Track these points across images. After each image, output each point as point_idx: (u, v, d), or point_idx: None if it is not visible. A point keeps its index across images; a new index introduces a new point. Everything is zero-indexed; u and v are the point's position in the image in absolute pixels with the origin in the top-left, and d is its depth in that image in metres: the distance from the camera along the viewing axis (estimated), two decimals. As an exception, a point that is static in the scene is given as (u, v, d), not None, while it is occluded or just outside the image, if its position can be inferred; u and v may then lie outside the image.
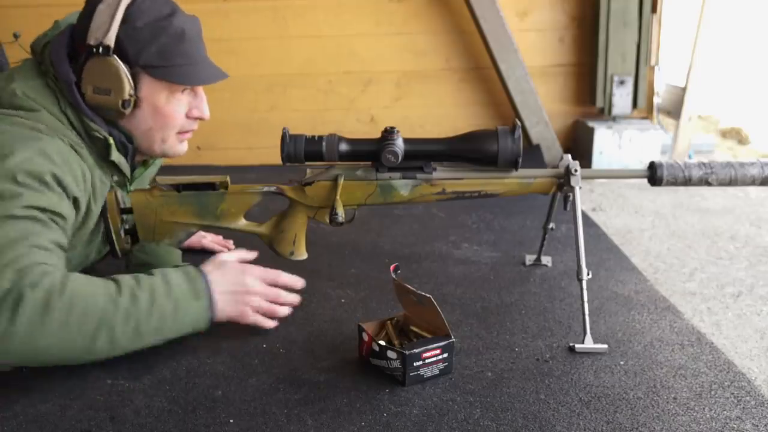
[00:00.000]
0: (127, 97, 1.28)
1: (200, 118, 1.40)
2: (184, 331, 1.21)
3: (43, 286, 1.07)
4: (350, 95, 3.35)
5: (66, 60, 1.28)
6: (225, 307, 1.25)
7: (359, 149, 1.36)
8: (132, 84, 1.28)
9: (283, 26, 3.25)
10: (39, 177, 1.17)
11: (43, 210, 1.17)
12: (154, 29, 1.27)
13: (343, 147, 1.35)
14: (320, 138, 1.34)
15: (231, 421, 1.07)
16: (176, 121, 1.36)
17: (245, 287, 1.28)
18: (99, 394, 1.14)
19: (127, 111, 1.29)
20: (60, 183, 1.21)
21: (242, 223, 1.42)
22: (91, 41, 1.26)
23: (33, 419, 1.08)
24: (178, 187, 1.40)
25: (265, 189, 1.42)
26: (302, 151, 1.34)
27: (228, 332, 1.34)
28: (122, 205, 1.38)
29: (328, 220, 1.37)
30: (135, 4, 1.27)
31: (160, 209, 1.39)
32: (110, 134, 1.33)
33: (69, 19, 1.37)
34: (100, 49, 1.25)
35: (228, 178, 1.41)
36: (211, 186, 1.41)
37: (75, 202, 1.26)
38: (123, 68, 1.27)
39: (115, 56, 1.26)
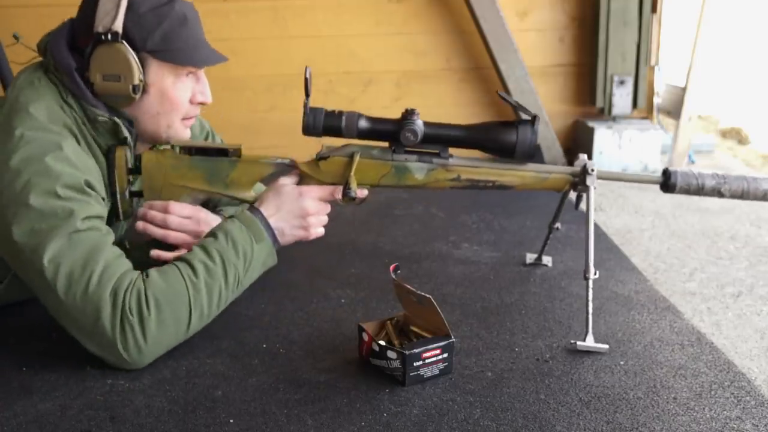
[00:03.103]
0: (137, 81, 1.29)
1: (203, 103, 1.40)
2: (259, 273, 1.33)
3: (133, 295, 1.17)
4: (350, 95, 3.34)
5: (65, 49, 1.30)
6: (288, 233, 1.35)
7: (379, 128, 1.35)
8: (141, 69, 1.29)
9: (282, 26, 3.24)
10: (78, 188, 1.22)
11: (95, 217, 1.22)
12: (158, 14, 1.29)
13: (363, 124, 1.34)
14: (340, 113, 1.33)
15: (231, 421, 1.07)
16: (182, 105, 1.37)
17: (304, 210, 1.35)
18: (99, 394, 1.14)
19: (137, 96, 1.30)
20: (93, 187, 1.25)
21: (251, 195, 1.39)
22: (99, 29, 1.27)
23: (33, 419, 1.08)
24: (191, 151, 1.39)
25: (279, 161, 1.39)
26: (321, 124, 1.33)
27: (228, 332, 1.34)
28: (130, 165, 1.37)
29: (339, 197, 1.35)
30: None
31: (169, 171, 1.37)
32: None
33: None
34: (109, 36, 1.27)
35: (242, 146, 1.39)
36: (223, 152, 1.39)
37: (103, 200, 1.30)
38: (132, 53, 1.28)
39: (124, 42, 1.27)
